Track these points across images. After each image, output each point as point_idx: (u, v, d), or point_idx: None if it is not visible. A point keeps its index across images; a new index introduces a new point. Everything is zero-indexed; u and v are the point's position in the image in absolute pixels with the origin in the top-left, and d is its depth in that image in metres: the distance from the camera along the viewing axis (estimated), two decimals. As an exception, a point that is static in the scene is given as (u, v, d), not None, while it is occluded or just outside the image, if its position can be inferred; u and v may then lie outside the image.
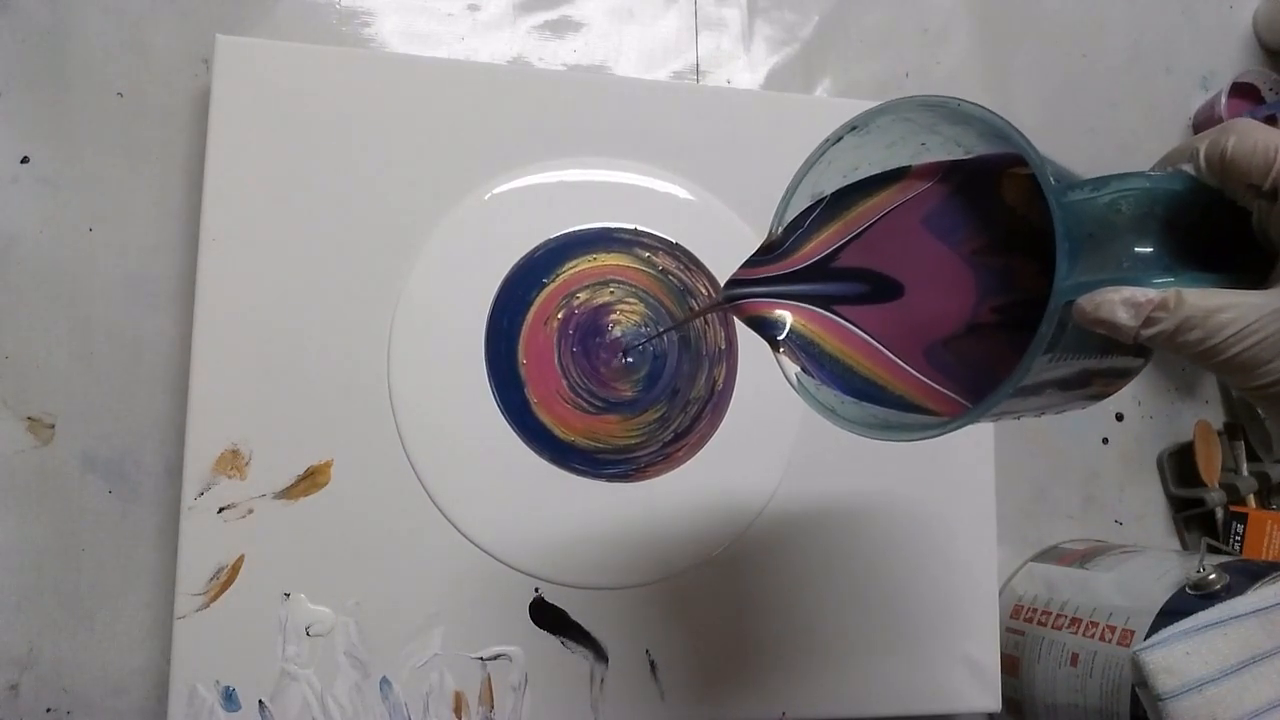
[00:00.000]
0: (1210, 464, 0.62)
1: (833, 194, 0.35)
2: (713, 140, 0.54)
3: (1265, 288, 0.26)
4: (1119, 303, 0.26)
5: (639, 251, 0.53)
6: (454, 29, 0.55)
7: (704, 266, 0.53)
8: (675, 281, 0.53)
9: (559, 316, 0.52)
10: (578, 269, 0.53)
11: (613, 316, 0.53)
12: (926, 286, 0.32)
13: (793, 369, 0.35)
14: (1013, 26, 0.64)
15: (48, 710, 0.48)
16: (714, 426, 0.52)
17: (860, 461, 0.54)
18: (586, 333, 0.52)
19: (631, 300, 0.53)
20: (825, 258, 0.35)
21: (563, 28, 0.57)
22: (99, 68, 0.51)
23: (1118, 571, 0.54)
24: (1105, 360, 0.30)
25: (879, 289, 0.34)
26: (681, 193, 0.54)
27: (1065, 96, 0.65)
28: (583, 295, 0.53)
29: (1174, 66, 0.67)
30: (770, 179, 0.57)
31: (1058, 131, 0.64)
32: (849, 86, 0.61)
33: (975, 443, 0.56)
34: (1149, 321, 0.26)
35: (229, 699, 0.46)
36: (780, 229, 0.36)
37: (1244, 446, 0.64)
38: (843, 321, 0.34)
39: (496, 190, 0.51)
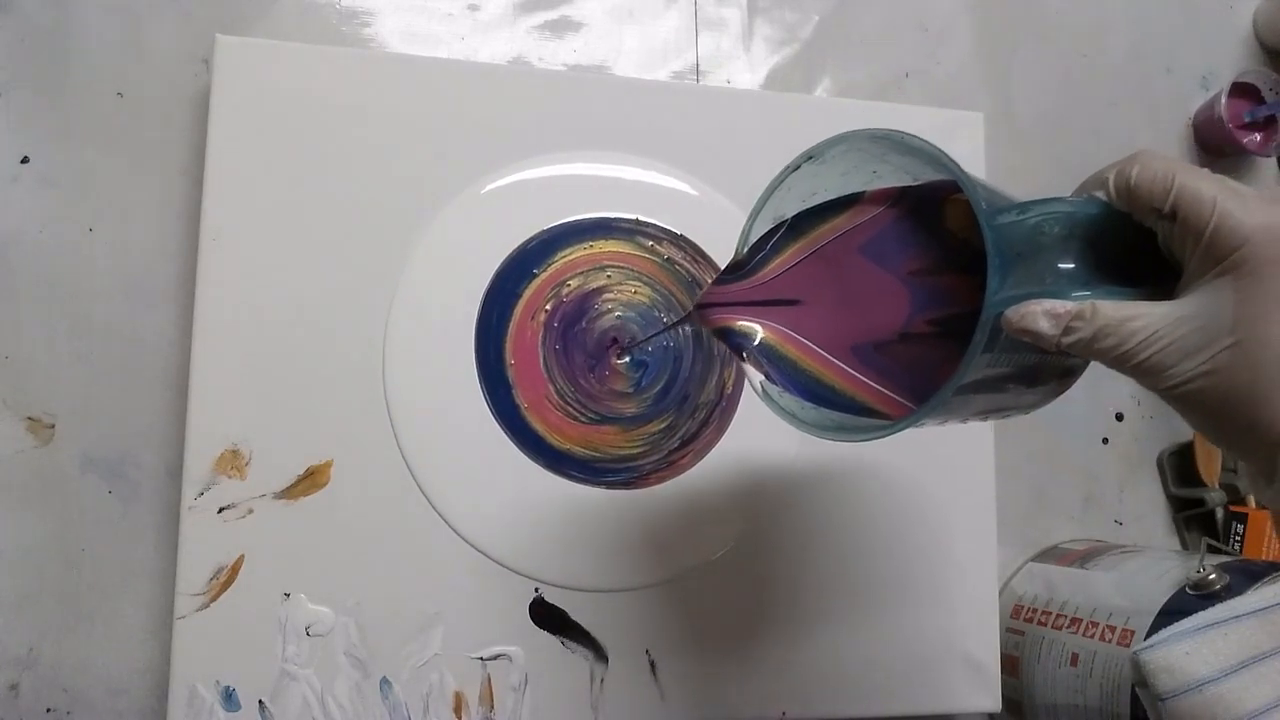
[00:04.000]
0: (1210, 464, 0.62)
1: (793, 217, 0.38)
2: (713, 140, 0.54)
3: (1172, 299, 0.29)
4: (1040, 314, 0.29)
5: (641, 240, 0.52)
6: (454, 29, 0.55)
7: (710, 259, 0.53)
8: (683, 272, 0.53)
9: (546, 308, 0.51)
10: (571, 257, 0.51)
11: (608, 296, 0.51)
12: (862, 300, 0.36)
13: (758, 377, 0.38)
14: (1013, 26, 0.64)
15: (48, 710, 0.48)
16: (720, 432, 0.52)
17: (861, 463, 0.54)
18: (570, 323, 0.51)
19: (634, 283, 0.52)
20: (782, 275, 0.38)
21: (563, 28, 0.57)
22: (99, 68, 0.51)
23: (1118, 571, 0.54)
24: (1041, 368, 0.32)
25: (814, 300, 0.38)
26: (685, 188, 0.53)
27: (1065, 96, 0.65)
28: (574, 283, 0.51)
29: (1174, 66, 0.67)
30: (771, 179, 0.57)
31: (1058, 131, 0.64)
32: (849, 86, 0.61)
33: (975, 443, 0.56)
34: (1068, 330, 0.29)
35: (229, 699, 0.46)
36: (745, 249, 0.38)
37: (1244, 446, 0.64)
38: (789, 331, 0.37)
39: (491, 186, 0.51)
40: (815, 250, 0.37)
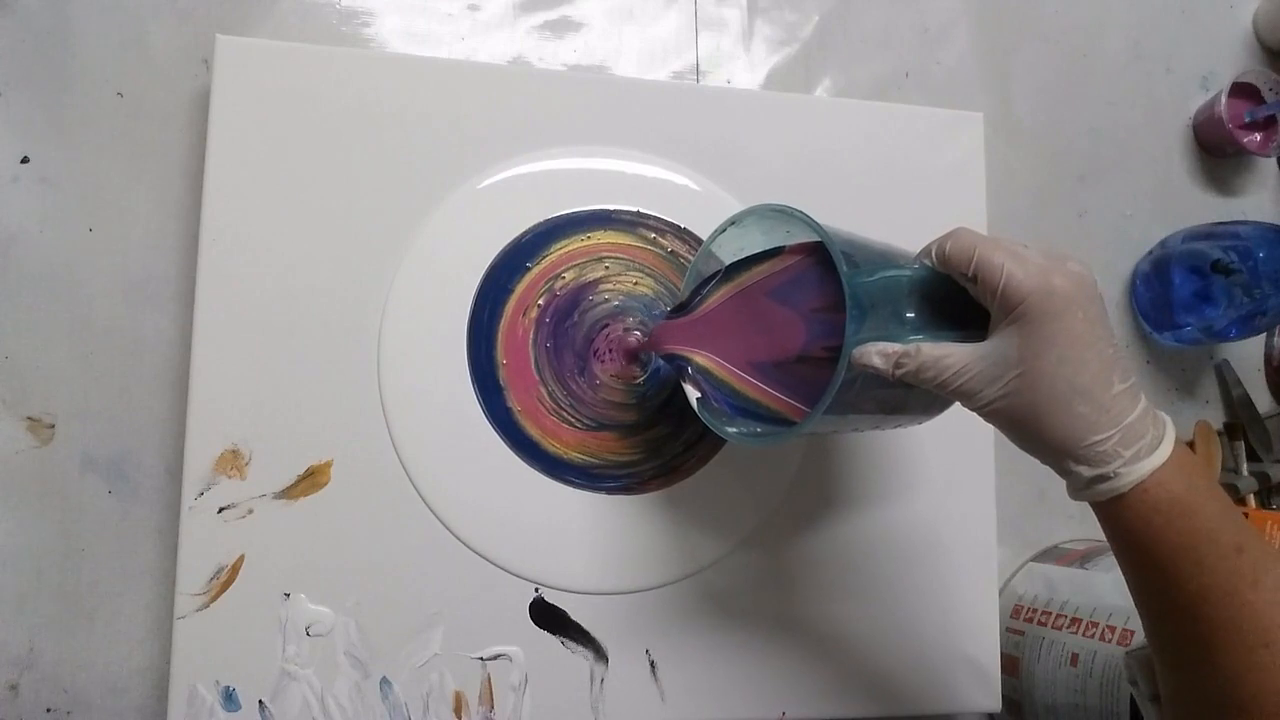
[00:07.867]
0: (1210, 464, 0.62)
1: (726, 266, 0.46)
2: (713, 140, 0.54)
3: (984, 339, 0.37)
4: (874, 353, 0.37)
5: (643, 232, 0.52)
6: (454, 29, 0.55)
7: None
8: (686, 265, 0.52)
9: (539, 304, 0.50)
10: (568, 249, 0.51)
11: (605, 287, 0.50)
12: (775, 330, 0.43)
13: (694, 394, 0.45)
14: (1013, 26, 0.64)
15: (48, 710, 0.48)
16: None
17: (861, 464, 0.54)
18: (561, 318, 0.50)
19: (634, 274, 0.51)
20: (716, 312, 0.46)
21: (563, 28, 0.57)
22: (99, 68, 0.51)
23: (1118, 571, 0.54)
24: (911, 392, 0.39)
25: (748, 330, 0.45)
26: (687, 182, 0.53)
27: (1065, 96, 0.65)
28: (569, 275, 0.50)
29: (1174, 66, 0.67)
30: (771, 178, 0.56)
31: (1058, 131, 0.64)
32: (849, 86, 0.61)
33: (975, 443, 0.56)
34: (898, 365, 0.37)
35: (229, 699, 0.46)
36: (687, 293, 0.47)
37: (1244, 446, 0.64)
38: (720, 358, 0.45)
39: (488, 181, 0.51)
40: (742, 291, 0.45)
